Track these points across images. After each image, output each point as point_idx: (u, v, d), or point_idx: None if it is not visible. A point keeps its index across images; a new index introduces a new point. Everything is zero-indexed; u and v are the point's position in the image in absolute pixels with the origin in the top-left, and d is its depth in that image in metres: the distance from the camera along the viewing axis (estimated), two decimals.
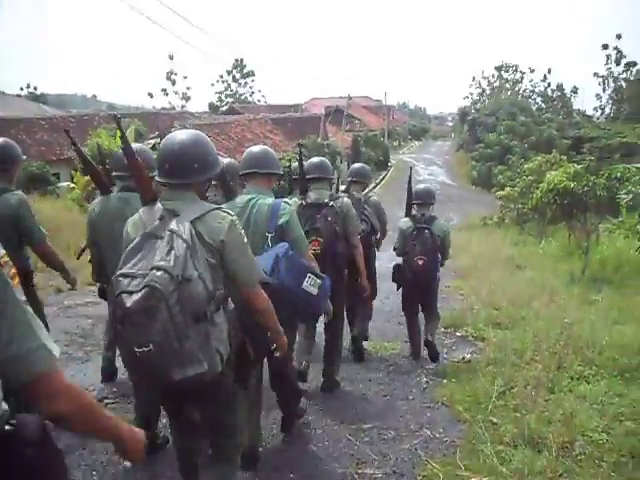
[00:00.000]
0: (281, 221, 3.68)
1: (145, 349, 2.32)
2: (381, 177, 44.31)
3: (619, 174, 11.10)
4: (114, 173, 4.23)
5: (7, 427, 1.35)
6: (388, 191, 35.46)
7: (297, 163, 5.05)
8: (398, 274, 6.19)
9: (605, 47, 56.21)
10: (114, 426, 1.71)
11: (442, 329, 7.80)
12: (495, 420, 4.69)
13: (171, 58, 57.21)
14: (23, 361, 1.41)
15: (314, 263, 3.86)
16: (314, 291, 3.54)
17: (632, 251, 10.45)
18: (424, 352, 6.33)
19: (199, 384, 2.48)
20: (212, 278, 2.52)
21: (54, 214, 12.05)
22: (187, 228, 2.49)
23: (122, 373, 5.07)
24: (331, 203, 4.84)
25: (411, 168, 6.92)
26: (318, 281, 3.57)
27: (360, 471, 3.99)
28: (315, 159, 5.24)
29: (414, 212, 6.08)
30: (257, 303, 2.79)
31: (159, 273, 2.33)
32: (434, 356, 6.15)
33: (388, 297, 8.22)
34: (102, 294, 4.77)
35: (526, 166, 16.29)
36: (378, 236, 6.33)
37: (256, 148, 4.06)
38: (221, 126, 34.54)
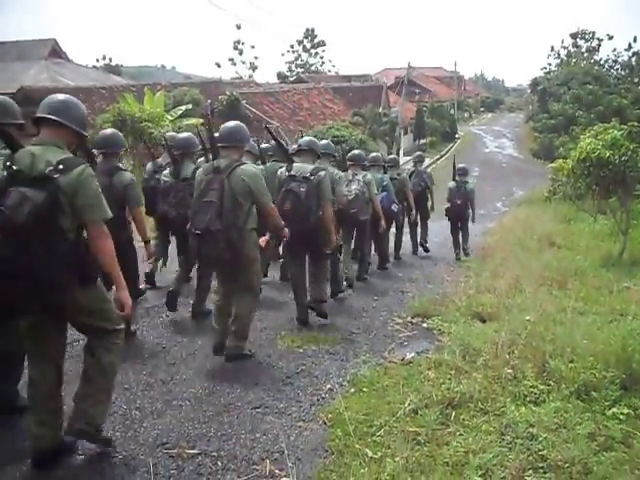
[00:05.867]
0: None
1: (353, 210, 7.52)
2: (446, 149, 42.18)
3: None
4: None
5: None
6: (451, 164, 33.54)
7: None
8: (448, 212, 11.05)
9: None
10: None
11: (408, 318, 6.58)
12: (370, 454, 3.43)
13: (238, 28, 56.43)
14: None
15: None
16: (395, 209, 9.03)
17: None
18: None
19: (364, 222, 7.89)
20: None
21: None
22: (360, 178, 7.81)
23: None
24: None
25: (454, 155, 13.67)
26: (398, 206, 9.23)
27: None
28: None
29: (457, 179, 11.04)
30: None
31: (357, 190, 7.60)
32: (465, 253, 11.27)
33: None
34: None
35: (582, 136, 14.21)
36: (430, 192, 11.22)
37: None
38: (277, 95, 33.60)
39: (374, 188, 7.99)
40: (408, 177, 10.51)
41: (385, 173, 9.32)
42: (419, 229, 11.43)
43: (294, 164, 5.86)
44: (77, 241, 3.09)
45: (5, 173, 3.03)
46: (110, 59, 61.61)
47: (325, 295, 6.43)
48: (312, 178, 5.67)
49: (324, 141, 7.37)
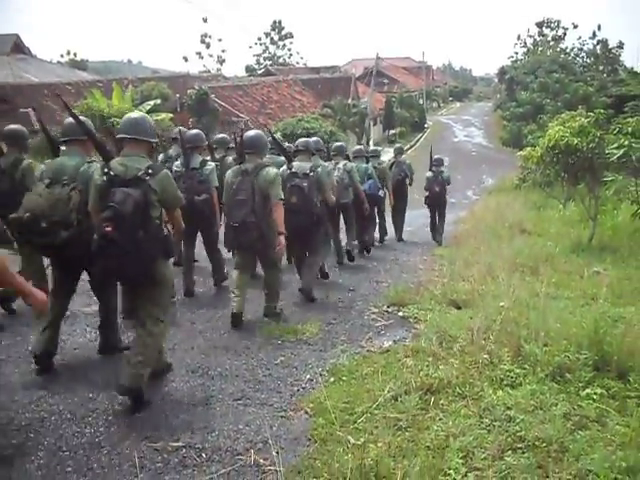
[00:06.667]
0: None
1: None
2: (416, 139, 42.40)
3: (630, 128, 9.41)
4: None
5: None
6: (422, 154, 33.79)
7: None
8: (426, 199, 11.97)
9: None
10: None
11: (384, 307, 6.65)
12: (353, 440, 3.48)
13: (205, 21, 56.20)
14: None
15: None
16: (382, 195, 10.25)
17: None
18: None
19: (345, 205, 8.56)
20: None
21: None
22: (341, 166, 8.70)
23: None
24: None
25: (431, 146, 13.53)
26: (383, 191, 10.33)
27: None
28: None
29: (433, 169, 11.89)
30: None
31: (337, 177, 8.34)
32: (439, 240, 11.86)
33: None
34: None
35: (550, 124, 14.40)
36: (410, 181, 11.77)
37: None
38: (245, 88, 33.38)
39: (356, 175, 8.87)
40: (389, 167, 11.47)
41: (367, 163, 10.18)
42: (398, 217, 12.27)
43: (294, 163, 6.70)
44: (160, 225, 4.06)
45: (104, 178, 3.97)
46: (75, 54, 60.76)
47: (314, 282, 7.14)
48: (311, 174, 6.57)
49: (314, 138, 8.24)
